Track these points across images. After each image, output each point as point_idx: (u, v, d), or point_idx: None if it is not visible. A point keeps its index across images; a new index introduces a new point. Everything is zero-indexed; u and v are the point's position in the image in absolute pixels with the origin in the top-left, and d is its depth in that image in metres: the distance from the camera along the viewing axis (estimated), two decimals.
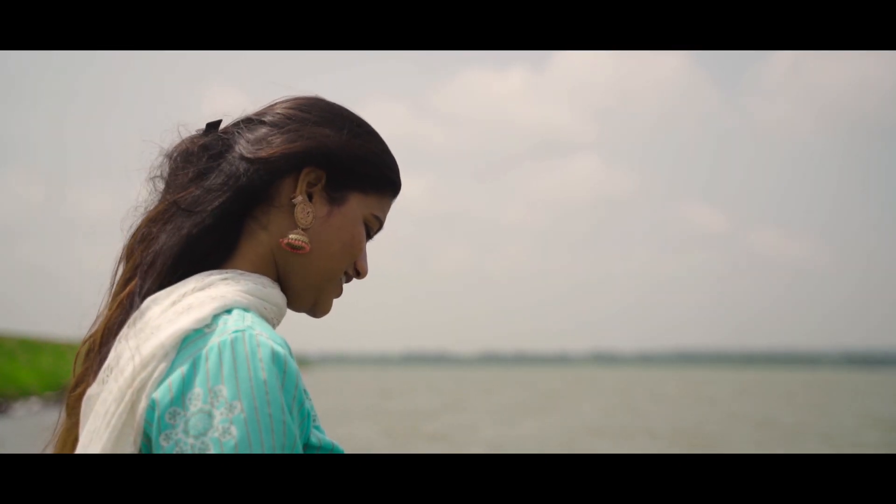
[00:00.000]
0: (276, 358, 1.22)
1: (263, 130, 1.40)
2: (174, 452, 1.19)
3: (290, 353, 1.26)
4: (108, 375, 1.28)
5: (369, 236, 1.46)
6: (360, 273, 1.45)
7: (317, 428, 1.32)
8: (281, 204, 1.38)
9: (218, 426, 1.18)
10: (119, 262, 1.39)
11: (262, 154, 1.37)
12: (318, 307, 1.44)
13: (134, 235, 1.38)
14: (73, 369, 1.38)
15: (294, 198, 1.38)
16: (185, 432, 1.19)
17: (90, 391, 1.30)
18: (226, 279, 1.33)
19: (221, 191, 1.36)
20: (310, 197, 1.39)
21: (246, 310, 1.29)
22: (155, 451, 1.21)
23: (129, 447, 1.23)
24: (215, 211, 1.35)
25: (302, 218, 1.38)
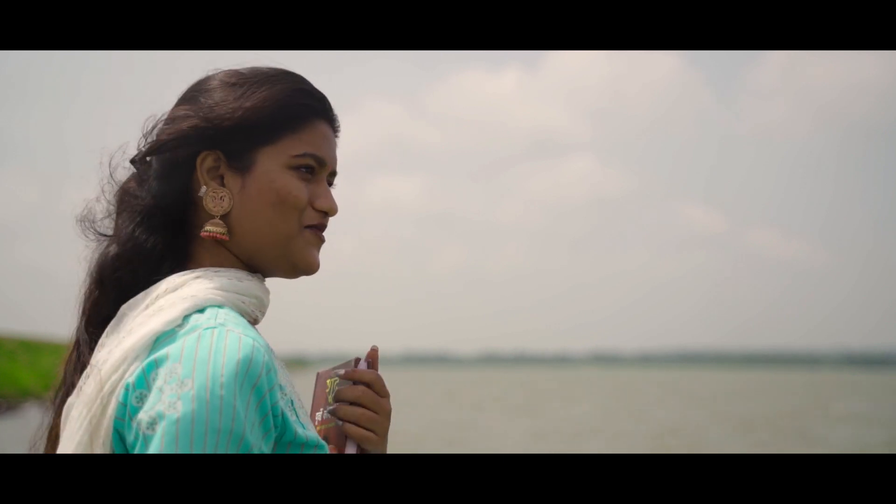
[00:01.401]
0: (242, 348, 1.22)
1: (153, 140, 1.39)
2: (136, 433, 1.21)
3: (266, 348, 1.26)
4: (84, 382, 1.30)
5: (312, 174, 1.39)
6: (326, 213, 1.41)
7: (298, 423, 1.31)
8: (198, 201, 1.37)
9: (165, 400, 1.19)
10: (79, 308, 1.41)
11: (155, 167, 1.38)
12: (299, 267, 1.40)
13: (83, 283, 1.41)
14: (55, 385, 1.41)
15: (199, 192, 1.37)
16: (143, 409, 1.21)
17: (70, 400, 1.32)
18: (199, 277, 1.33)
19: (134, 210, 1.37)
20: (222, 180, 1.37)
21: (220, 307, 1.30)
22: (128, 442, 1.23)
23: (97, 449, 1.25)
24: (134, 230, 1.36)
25: (214, 206, 1.36)
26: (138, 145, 1.42)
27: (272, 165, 1.37)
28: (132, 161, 1.42)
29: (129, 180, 1.42)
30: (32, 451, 1.41)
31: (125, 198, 1.40)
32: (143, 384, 1.22)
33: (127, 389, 1.23)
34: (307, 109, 1.39)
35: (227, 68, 1.42)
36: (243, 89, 1.38)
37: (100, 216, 1.43)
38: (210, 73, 1.42)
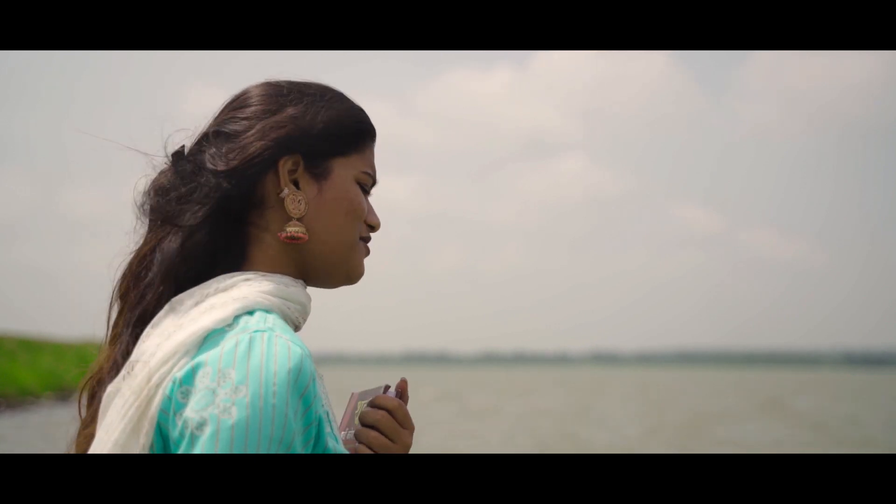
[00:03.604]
0: (292, 357, 1.25)
1: (229, 141, 1.40)
2: (182, 430, 1.23)
3: (310, 357, 1.28)
4: (129, 372, 1.31)
5: (367, 192, 1.47)
6: (374, 227, 1.48)
7: (332, 436, 1.33)
8: (273, 203, 1.40)
9: (219, 403, 1.21)
10: (112, 305, 1.40)
11: (234, 164, 1.38)
12: (351, 275, 1.46)
13: (125, 276, 1.40)
14: (78, 401, 1.41)
15: (280, 193, 1.39)
16: (191, 408, 1.23)
17: (110, 388, 1.33)
18: (248, 280, 1.36)
19: (203, 203, 1.37)
20: (296, 183, 1.40)
21: (268, 311, 1.32)
22: (171, 437, 1.25)
23: (141, 438, 1.26)
24: (202, 223, 1.36)
25: (294, 208, 1.39)
26: (200, 149, 1.41)
27: (346, 174, 1.43)
28: (176, 154, 1.42)
29: (162, 175, 1.42)
30: (69, 445, 1.42)
31: (167, 192, 1.39)
32: (190, 381, 1.24)
33: (174, 383, 1.25)
34: (371, 131, 1.48)
35: (280, 79, 1.46)
36: (323, 101, 1.44)
37: (145, 204, 1.42)
38: (268, 81, 1.45)
